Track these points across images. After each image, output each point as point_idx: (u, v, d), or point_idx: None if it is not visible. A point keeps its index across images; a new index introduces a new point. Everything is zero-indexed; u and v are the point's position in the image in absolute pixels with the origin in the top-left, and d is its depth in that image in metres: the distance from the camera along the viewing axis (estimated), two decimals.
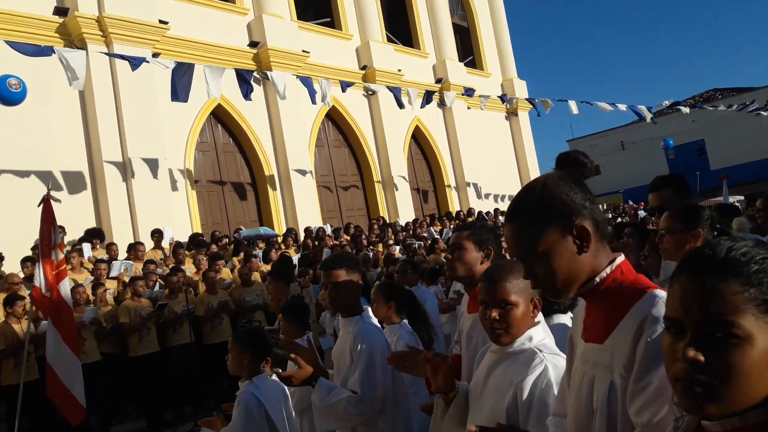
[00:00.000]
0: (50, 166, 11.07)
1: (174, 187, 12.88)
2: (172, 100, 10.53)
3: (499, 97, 19.45)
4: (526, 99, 20.77)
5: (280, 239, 12.09)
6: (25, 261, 8.59)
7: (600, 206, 1.46)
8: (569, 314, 3.06)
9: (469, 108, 20.74)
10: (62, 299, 6.19)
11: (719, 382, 0.89)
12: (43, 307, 6.27)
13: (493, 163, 21.37)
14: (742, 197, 18.22)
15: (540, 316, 2.03)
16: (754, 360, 0.88)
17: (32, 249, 9.49)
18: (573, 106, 17.36)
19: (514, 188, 22.18)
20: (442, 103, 18.33)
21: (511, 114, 22.97)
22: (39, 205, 6.42)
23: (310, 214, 15.29)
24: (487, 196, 20.82)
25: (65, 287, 6.26)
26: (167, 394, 7.68)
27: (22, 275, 8.15)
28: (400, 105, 14.69)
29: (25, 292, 7.74)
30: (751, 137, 27.86)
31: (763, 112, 23.33)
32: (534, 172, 23.05)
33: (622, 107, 18.03)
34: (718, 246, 0.95)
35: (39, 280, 6.19)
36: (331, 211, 16.93)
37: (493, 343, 2.02)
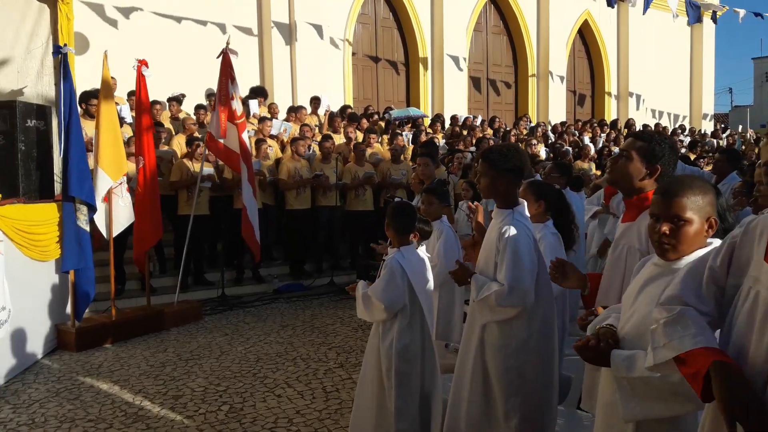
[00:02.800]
0: (225, 19, 11.74)
1: (333, 57, 13.24)
2: None
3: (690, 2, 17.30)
4: (717, 5, 18.37)
5: (427, 121, 12.20)
6: (198, 108, 9.41)
7: None
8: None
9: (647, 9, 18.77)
10: (247, 148, 6.86)
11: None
12: (217, 151, 6.91)
13: (663, 74, 19.47)
14: None
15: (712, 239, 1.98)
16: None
17: (207, 96, 10.36)
18: None
19: (681, 106, 20.29)
20: None
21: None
22: (218, 57, 6.90)
23: (457, 102, 15.16)
24: (653, 111, 19.23)
25: (246, 137, 6.88)
26: (311, 248, 8.42)
27: (195, 119, 8.96)
28: None
29: (197, 135, 8.55)
30: None
31: None
32: (708, 91, 20.81)
33: None
34: None
35: (213, 126, 6.79)
36: (478, 101, 16.62)
37: (654, 256, 2.01)
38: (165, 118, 9.24)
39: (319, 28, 12.69)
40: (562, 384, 3.54)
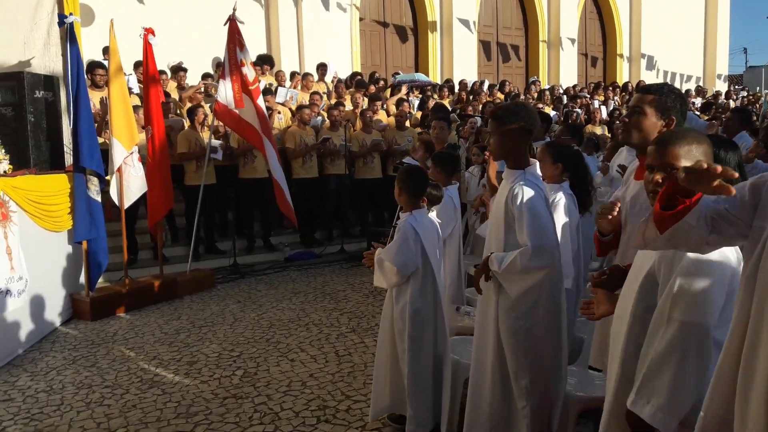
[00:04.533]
0: None
1: (340, 23, 13.06)
2: None
3: None
4: None
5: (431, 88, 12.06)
6: (205, 76, 9.33)
7: None
8: None
9: None
10: (265, 116, 6.79)
11: None
12: (230, 121, 6.83)
13: (676, 34, 19.07)
14: None
15: None
16: None
17: (216, 66, 10.26)
18: None
19: (694, 66, 19.91)
20: None
21: None
22: (225, 24, 6.81)
23: (467, 67, 14.96)
24: (665, 72, 18.87)
25: (262, 103, 6.80)
26: (320, 216, 8.42)
27: (203, 89, 8.88)
28: None
29: (205, 104, 8.49)
30: None
31: None
32: (722, 51, 20.37)
33: None
34: None
35: (224, 95, 6.69)
36: (488, 66, 16.40)
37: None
38: (172, 88, 9.18)
39: None
40: (574, 345, 3.55)
